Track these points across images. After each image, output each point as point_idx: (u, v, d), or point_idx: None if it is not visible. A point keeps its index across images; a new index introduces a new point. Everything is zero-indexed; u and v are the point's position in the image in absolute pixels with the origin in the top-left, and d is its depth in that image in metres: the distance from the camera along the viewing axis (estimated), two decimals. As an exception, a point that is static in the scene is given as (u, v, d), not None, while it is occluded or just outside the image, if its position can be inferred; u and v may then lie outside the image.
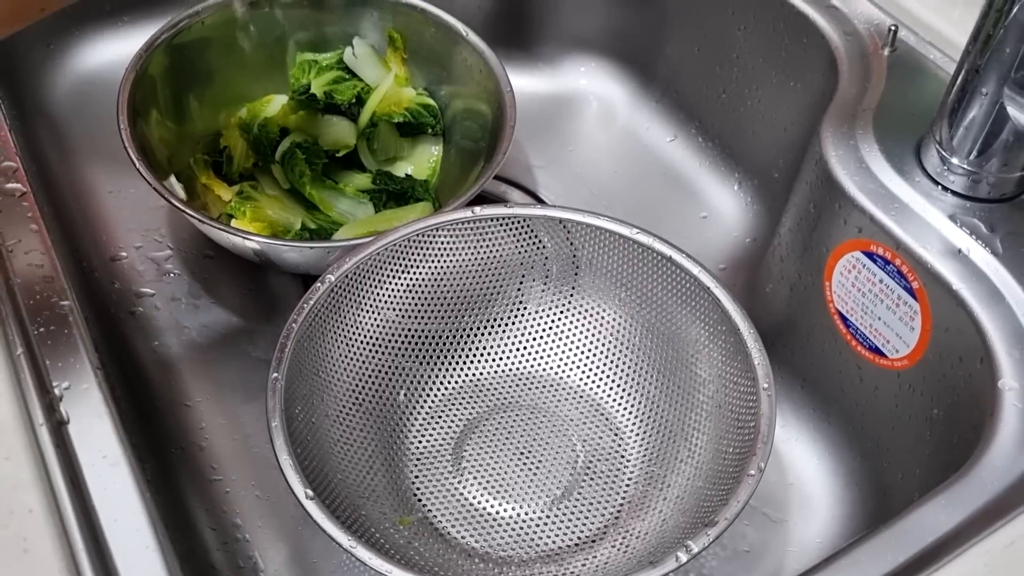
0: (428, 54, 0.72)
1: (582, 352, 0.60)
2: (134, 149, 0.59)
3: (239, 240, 0.59)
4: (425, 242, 0.57)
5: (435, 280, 0.59)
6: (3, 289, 0.43)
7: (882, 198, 0.51)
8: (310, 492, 0.45)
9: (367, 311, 0.56)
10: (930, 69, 0.58)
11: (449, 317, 0.60)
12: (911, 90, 0.56)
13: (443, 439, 0.58)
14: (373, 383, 0.57)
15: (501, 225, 0.58)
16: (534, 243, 0.59)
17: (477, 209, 0.57)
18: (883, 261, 0.51)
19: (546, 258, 0.60)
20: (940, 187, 0.51)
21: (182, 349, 0.63)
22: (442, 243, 0.58)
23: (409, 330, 0.59)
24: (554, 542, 0.54)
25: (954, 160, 0.50)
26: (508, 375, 0.61)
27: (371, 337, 0.57)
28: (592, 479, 0.56)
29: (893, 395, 0.53)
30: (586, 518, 0.55)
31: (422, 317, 0.59)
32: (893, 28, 0.58)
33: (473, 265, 0.59)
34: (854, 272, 0.53)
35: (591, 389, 0.60)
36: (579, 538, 0.54)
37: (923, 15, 0.59)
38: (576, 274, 0.60)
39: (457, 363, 0.60)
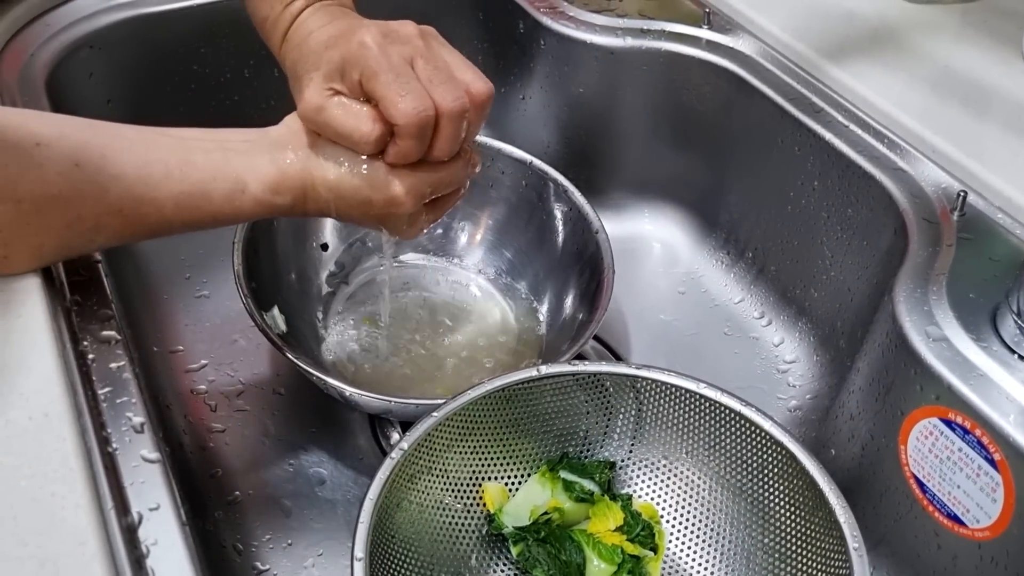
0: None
1: (653, 504, 0.60)
2: (244, 284, 0.62)
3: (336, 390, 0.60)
4: (493, 402, 0.57)
5: (501, 436, 0.58)
6: (96, 440, 0.44)
7: (959, 366, 0.51)
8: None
9: (436, 475, 0.56)
10: (1001, 234, 0.58)
11: (514, 474, 0.60)
12: (983, 255, 0.57)
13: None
14: (445, 549, 0.56)
15: (566, 381, 0.58)
16: (598, 396, 0.59)
17: (543, 368, 0.58)
18: (962, 430, 0.51)
19: (610, 411, 0.60)
20: (1017, 356, 0.51)
21: (249, 486, 0.63)
22: (509, 400, 0.57)
23: (477, 489, 0.58)
24: None
25: (1032, 330, 0.50)
26: (575, 529, 0.60)
27: (442, 500, 0.56)
28: (667, 641, 0.55)
29: (974, 566, 0.52)
30: None
31: (489, 474, 0.59)
32: (963, 193, 0.59)
33: (538, 420, 0.59)
34: (931, 438, 0.53)
35: (666, 547, 0.59)
36: None
37: (991, 180, 0.61)
38: (640, 427, 0.60)
39: (524, 519, 0.59)
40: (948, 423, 0.51)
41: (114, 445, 0.45)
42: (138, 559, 0.40)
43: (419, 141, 0.50)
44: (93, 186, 0.48)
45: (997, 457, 0.49)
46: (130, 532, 0.41)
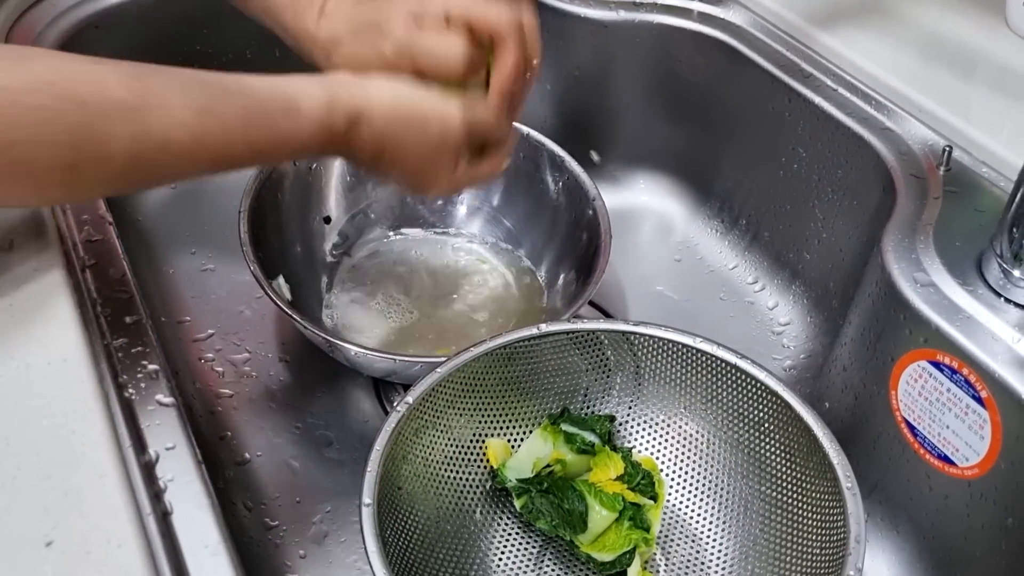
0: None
1: (652, 458, 0.61)
2: (251, 251, 0.64)
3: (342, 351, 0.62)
4: (494, 360, 0.58)
5: (503, 394, 0.60)
6: (112, 386, 0.46)
7: (946, 310, 0.53)
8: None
9: (440, 431, 0.57)
10: (985, 186, 0.60)
11: (517, 431, 0.61)
12: (968, 207, 0.59)
13: (523, 556, 0.58)
14: (450, 503, 0.57)
15: (566, 339, 0.60)
16: (597, 354, 0.61)
17: (543, 326, 0.59)
18: (950, 370, 0.52)
19: (609, 369, 0.61)
20: (1003, 299, 0.53)
21: (258, 448, 0.65)
22: (511, 358, 0.59)
23: (480, 445, 0.60)
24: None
25: (1016, 273, 0.52)
26: (578, 485, 0.61)
27: (446, 455, 0.58)
28: (671, 589, 0.56)
29: (965, 504, 0.54)
30: (663, 629, 0.55)
31: (491, 431, 0.60)
32: (948, 148, 0.61)
33: (539, 378, 0.61)
34: (920, 381, 0.54)
35: (666, 498, 0.60)
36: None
37: (974, 135, 0.62)
38: (639, 383, 0.61)
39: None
40: (936, 364, 0.53)
41: (130, 390, 0.47)
42: (156, 493, 0.42)
43: (519, 46, 0.53)
44: (155, 96, 0.47)
45: (984, 394, 0.51)
46: (148, 469, 0.43)
